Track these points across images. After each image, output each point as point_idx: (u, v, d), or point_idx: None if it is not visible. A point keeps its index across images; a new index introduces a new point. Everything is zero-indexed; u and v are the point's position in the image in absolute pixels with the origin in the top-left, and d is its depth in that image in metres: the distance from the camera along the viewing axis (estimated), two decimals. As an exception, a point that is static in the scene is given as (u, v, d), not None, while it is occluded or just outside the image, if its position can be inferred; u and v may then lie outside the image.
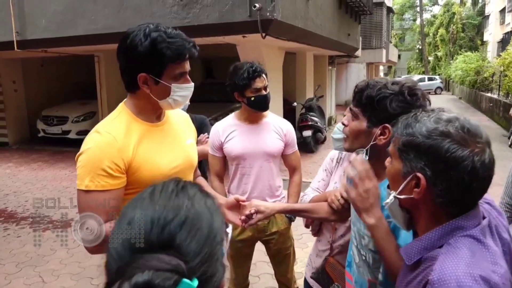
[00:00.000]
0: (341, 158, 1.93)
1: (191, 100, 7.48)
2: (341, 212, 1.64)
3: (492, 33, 31.33)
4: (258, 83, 2.24)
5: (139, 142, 1.43)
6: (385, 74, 45.50)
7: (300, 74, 10.66)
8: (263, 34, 5.55)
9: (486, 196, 0.99)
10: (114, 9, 6.26)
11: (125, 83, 1.46)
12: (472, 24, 37.68)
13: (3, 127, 10.53)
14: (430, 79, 33.03)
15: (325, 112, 11.80)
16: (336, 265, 1.78)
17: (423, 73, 40.68)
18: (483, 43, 35.05)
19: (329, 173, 1.95)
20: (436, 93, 31.20)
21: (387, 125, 1.23)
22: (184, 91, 1.46)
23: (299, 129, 8.91)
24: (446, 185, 0.89)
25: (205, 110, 7.79)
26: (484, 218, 0.94)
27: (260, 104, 2.30)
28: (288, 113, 9.78)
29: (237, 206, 1.71)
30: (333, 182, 1.91)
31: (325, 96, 11.97)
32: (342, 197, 1.62)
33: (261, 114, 2.39)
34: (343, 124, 1.37)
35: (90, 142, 1.39)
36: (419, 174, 0.91)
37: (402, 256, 0.98)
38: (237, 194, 2.41)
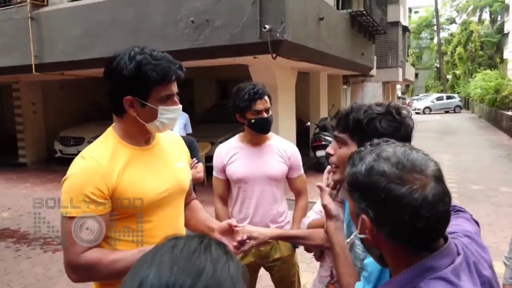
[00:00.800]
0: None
1: (205, 121, 7.58)
2: None
3: (512, 51, 30.88)
4: (259, 105, 2.21)
5: (124, 167, 1.40)
6: (403, 93, 45.21)
7: (313, 94, 10.65)
8: (274, 55, 5.58)
9: (467, 226, 0.91)
10: (129, 32, 6.40)
11: (112, 107, 1.45)
12: (491, 42, 37.23)
13: (22, 148, 10.77)
14: (448, 97, 32.57)
15: (340, 132, 11.69)
16: None
17: (442, 91, 40.15)
18: (503, 61, 34.51)
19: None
20: (455, 112, 30.69)
21: None
22: (172, 113, 1.43)
23: (312, 149, 8.85)
24: (390, 226, 0.82)
25: (218, 130, 7.90)
26: (459, 254, 0.86)
27: (260, 127, 2.26)
28: (302, 133, 9.75)
29: (230, 231, 1.65)
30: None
31: (339, 116, 11.89)
32: None
33: (264, 137, 2.35)
34: (329, 153, 1.32)
35: (75, 168, 1.37)
36: (363, 216, 0.86)
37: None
38: (239, 218, 2.36)
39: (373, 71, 13.43)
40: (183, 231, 1.64)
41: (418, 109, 31.33)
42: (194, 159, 2.95)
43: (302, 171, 2.42)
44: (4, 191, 8.07)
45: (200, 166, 3.00)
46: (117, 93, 1.39)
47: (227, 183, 2.41)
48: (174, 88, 1.43)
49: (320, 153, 8.75)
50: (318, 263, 1.84)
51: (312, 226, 1.73)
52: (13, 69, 7.84)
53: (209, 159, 3.67)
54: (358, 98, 19.87)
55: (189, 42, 5.93)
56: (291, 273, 2.39)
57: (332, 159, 1.30)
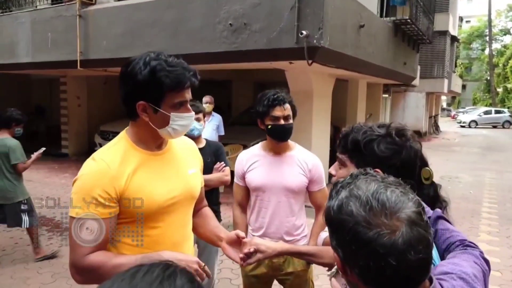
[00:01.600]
0: None
1: (240, 123, 7.56)
2: None
3: None
4: (277, 112, 2.18)
5: (134, 171, 1.40)
6: (448, 105, 43.56)
7: (351, 101, 10.45)
8: (309, 61, 5.50)
9: (465, 267, 0.83)
10: (169, 33, 6.54)
11: (126, 110, 1.46)
12: (547, 55, 35.12)
13: (65, 139, 11.29)
14: (497, 111, 30.94)
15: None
16: None
17: (490, 105, 38.26)
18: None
19: None
20: (504, 127, 29.10)
21: (378, 170, 1.12)
22: (184, 120, 1.43)
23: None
24: (359, 269, 0.75)
25: (251, 133, 7.88)
26: None
27: (276, 134, 2.22)
28: (337, 140, 9.57)
29: (238, 242, 1.62)
30: None
31: (377, 125, 11.59)
32: None
33: (286, 146, 2.31)
34: (331, 174, 1.29)
35: (85, 169, 1.39)
36: (335, 254, 0.80)
37: None
38: (255, 227, 2.33)
39: (416, 81, 12.98)
40: (191, 238, 1.63)
41: (464, 122, 30.05)
42: (222, 162, 2.97)
43: (324, 185, 2.35)
44: (45, 179, 8.46)
45: (228, 170, 3.01)
46: (130, 98, 1.41)
47: (247, 190, 2.39)
48: (188, 95, 1.42)
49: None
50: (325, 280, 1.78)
51: (326, 244, 1.67)
52: (60, 64, 8.22)
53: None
54: (399, 108, 19.33)
55: (226, 45, 5.97)
56: (303, 283, 2.33)
57: (333, 180, 1.25)
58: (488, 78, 42.23)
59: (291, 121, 2.23)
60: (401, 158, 1.13)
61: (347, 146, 1.20)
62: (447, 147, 16.46)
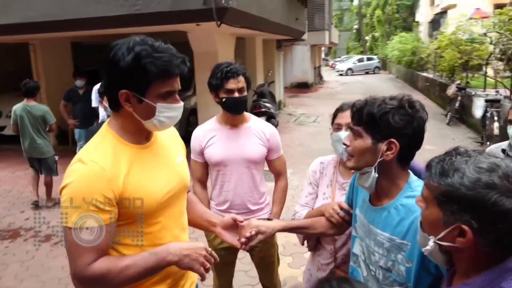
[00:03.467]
0: (323, 168, 1.94)
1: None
2: (340, 225, 1.63)
3: (424, 14, 32.94)
4: (231, 84, 2.15)
5: (129, 170, 1.30)
6: (326, 55, 46.65)
7: (250, 60, 10.56)
8: (218, 22, 5.37)
9: None
10: (53, -5, 5.72)
11: (108, 100, 1.34)
12: (405, 5, 39.39)
13: None
14: (369, 59, 34.30)
15: (275, 97, 11.85)
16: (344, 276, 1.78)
17: (361, 53, 42.10)
18: (415, 23, 36.83)
19: (315, 185, 1.95)
20: (374, 73, 32.52)
21: (393, 140, 1.23)
22: (172, 111, 1.32)
23: (253, 116, 8.87)
24: (495, 236, 0.86)
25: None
26: None
27: (231, 107, 2.21)
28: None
29: (234, 226, 1.63)
30: (322, 193, 1.90)
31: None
32: (341, 209, 1.60)
33: (242, 118, 2.30)
34: (345, 144, 1.35)
35: (74, 174, 1.24)
36: (464, 227, 0.88)
37: None
38: (219, 202, 2.33)
39: (305, 35, 13.60)
40: (187, 228, 1.59)
41: (341, 71, 32.72)
42: None
43: (281, 152, 2.42)
44: None
45: None
46: (112, 86, 1.29)
47: (206, 166, 2.36)
48: (176, 84, 1.32)
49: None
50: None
51: (309, 216, 1.77)
52: None
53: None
54: (287, 62, 20.12)
55: (125, 8, 5.47)
56: (271, 252, 2.44)
57: (348, 149, 1.33)
58: (358, 28, 46.09)
59: (245, 93, 2.22)
60: (413, 127, 1.23)
61: (362, 118, 1.26)
62: (333, 95, 17.86)
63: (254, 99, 9.41)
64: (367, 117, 1.25)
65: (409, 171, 1.34)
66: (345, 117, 1.79)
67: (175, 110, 1.33)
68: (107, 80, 1.31)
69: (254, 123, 2.35)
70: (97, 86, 5.93)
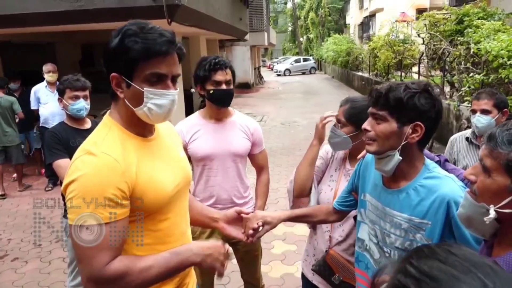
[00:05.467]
0: (333, 155, 1.98)
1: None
2: (340, 212, 1.68)
3: (353, 17, 34.72)
4: (219, 76, 2.13)
5: (138, 162, 1.22)
6: (263, 56, 47.34)
7: (194, 60, 10.34)
8: (169, 20, 5.25)
9: None
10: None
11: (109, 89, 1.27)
12: (336, 8, 41.21)
13: None
14: (305, 59, 35.33)
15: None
16: (337, 257, 1.81)
17: (297, 54, 43.31)
18: (346, 26, 38.65)
19: (324, 162, 1.98)
20: (311, 73, 33.58)
21: (419, 123, 1.26)
22: (160, 98, 1.21)
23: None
24: None
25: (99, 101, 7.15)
26: None
27: (218, 98, 2.17)
28: (185, 100, 9.54)
29: (238, 219, 1.60)
30: (329, 176, 1.94)
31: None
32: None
33: (226, 112, 2.28)
34: (366, 129, 1.35)
35: (84, 167, 1.13)
36: None
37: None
38: (204, 197, 2.28)
39: (247, 36, 13.70)
40: (189, 224, 1.52)
41: (280, 71, 33.37)
42: None
43: (263, 146, 2.42)
44: None
45: None
46: (106, 70, 1.21)
47: (188, 161, 2.29)
48: (165, 67, 1.20)
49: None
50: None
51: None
52: None
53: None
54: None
55: (67, 3, 5.14)
56: (255, 247, 2.43)
57: (369, 134, 1.33)
58: (292, 29, 47.38)
59: (232, 86, 2.20)
60: (435, 110, 1.27)
61: (388, 103, 1.27)
62: (275, 95, 18.19)
63: (202, 100, 9.28)
64: (394, 101, 1.26)
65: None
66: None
67: (164, 97, 1.21)
68: (104, 66, 1.23)
69: (238, 118, 2.33)
70: (36, 87, 5.52)
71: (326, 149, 1.99)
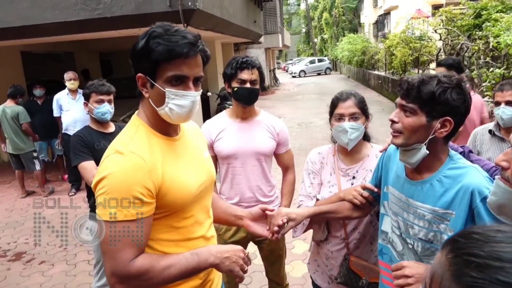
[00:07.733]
0: (323, 157, 1.96)
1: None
2: (364, 207, 1.66)
3: (368, 16, 34.40)
4: (245, 75, 2.17)
5: (163, 161, 1.26)
6: (277, 58, 47.38)
7: (210, 64, 10.33)
8: (185, 25, 5.31)
9: None
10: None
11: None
12: (350, 8, 40.94)
13: None
14: (320, 60, 35.17)
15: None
16: (359, 261, 1.80)
17: (312, 55, 43.14)
18: (360, 25, 38.33)
19: (316, 175, 1.95)
20: (326, 74, 33.41)
21: (448, 118, 1.24)
22: (181, 99, 1.23)
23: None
24: None
25: (121, 106, 7.25)
26: None
27: (242, 96, 2.21)
28: (202, 103, 9.63)
29: (263, 216, 1.61)
30: (327, 182, 1.91)
31: (234, 84, 12.00)
32: (365, 189, 1.63)
33: (252, 111, 2.31)
34: (393, 121, 1.33)
35: (113, 166, 1.18)
36: None
37: None
38: (230, 196, 2.31)
39: (262, 38, 13.74)
40: (212, 222, 1.55)
41: (295, 73, 33.32)
42: None
43: (289, 146, 2.43)
44: None
45: None
46: (134, 71, 1.26)
47: (215, 160, 2.32)
48: (188, 69, 1.22)
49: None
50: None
51: (329, 203, 1.78)
52: None
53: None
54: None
55: (86, 12, 5.28)
56: (280, 246, 2.43)
57: (396, 126, 1.31)
58: (306, 31, 47.24)
59: (257, 86, 2.23)
60: (465, 105, 1.25)
61: (420, 96, 1.25)
62: (291, 97, 18.17)
63: (219, 103, 9.37)
64: (426, 95, 1.24)
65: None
66: (348, 107, 1.78)
67: (185, 98, 1.23)
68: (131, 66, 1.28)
69: (264, 117, 2.36)
70: (58, 95, 5.65)
71: (312, 159, 1.97)
